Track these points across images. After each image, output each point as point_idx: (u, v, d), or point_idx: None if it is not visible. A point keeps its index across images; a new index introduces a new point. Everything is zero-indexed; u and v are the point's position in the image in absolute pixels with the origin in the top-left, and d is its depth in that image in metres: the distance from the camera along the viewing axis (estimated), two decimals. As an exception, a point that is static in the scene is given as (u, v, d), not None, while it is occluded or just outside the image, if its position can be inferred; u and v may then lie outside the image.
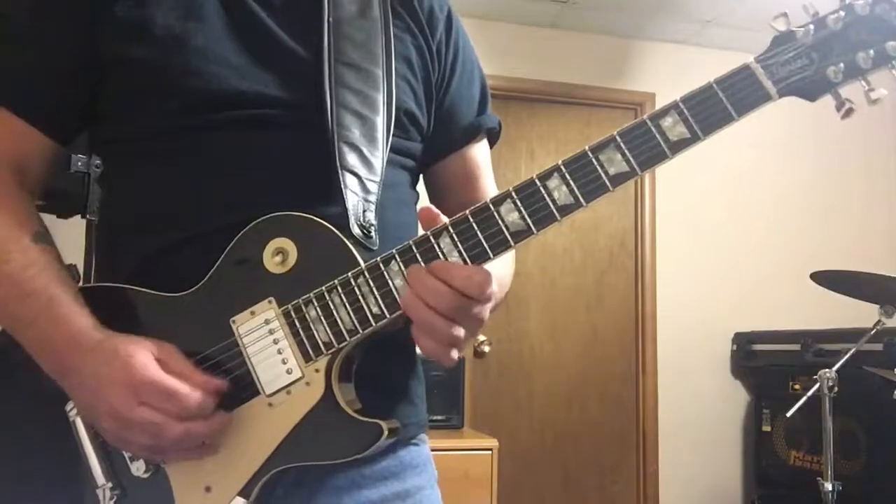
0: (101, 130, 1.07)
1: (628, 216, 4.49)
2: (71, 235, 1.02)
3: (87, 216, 2.08)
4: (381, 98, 1.06)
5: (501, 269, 1.02)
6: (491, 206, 0.88)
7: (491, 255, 0.88)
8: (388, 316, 0.89)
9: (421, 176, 1.21)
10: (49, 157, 1.06)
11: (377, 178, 1.01)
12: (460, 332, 0.88)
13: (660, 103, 3.85)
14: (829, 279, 3.08)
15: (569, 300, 4.40)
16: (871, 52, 0.82)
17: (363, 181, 1.00)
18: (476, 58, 1.25)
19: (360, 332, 0.90)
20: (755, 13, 4.14)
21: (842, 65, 0.83)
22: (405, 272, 0.89)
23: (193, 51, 1.00)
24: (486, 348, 4.16)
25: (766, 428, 4.08)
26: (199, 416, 0.88)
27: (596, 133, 4.49)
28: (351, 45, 1.07)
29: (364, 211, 0.98)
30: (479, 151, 1.23)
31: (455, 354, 0.89)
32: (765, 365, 4.21)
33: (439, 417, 3.33)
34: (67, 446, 0.96)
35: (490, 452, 3.15)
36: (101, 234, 1.10)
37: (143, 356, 0.88)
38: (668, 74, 4.54)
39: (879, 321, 2.91)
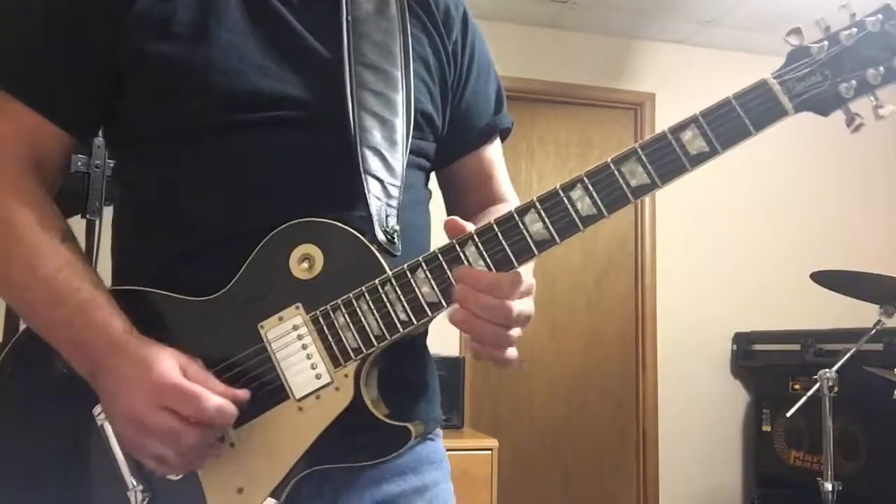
0: (122, 130, 1.05)
1: (628, 216, 4.47)
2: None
3: (87, 216, 2.05)
4: (399, 100, 1.05)
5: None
6: (515, 215, 0.89)
7: (516, 264, 0.90)
8: (415, 322, 0.91)
9: (433, 174, 1.21)
10: (65, 152, 1.04)
11: (398, 182, 1.02)
12: (507, 334, 0.91)
13: (660, 103, 3.83)
14: (829, 279, 3.09)
15: (569, 300, 4.40)
16: (882, 68, 0.84)
17: (385, 186, 1.00)
18: (491, 57, 1.24)
19: (388, 337, 0.92)
20: (755, 13, 4.17)
21: (853, 81, 0.85)
22: (431, 280, 0.91)
23: (217, 48, 0.98)
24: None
25: (766, 428, 4.09)
26: (218, 422, 0.89)
27: (596, 133, 4.50)
28: (370, 46, 1.06)
29: (387, 216, 0.99)
30: (495, 151, 1.24)
31: (512, 353, 0.92)
32: (765, 365, 4.21)
33: (440, 417, 3.35)
34: (96, 449, 0.95)
35: (490, 452, 3.17)
36: (120, 236, 1.09)
37: (167, 362, 0.89)
38: (668, 74, 4.54)
39: (879, 321, 2.92)
